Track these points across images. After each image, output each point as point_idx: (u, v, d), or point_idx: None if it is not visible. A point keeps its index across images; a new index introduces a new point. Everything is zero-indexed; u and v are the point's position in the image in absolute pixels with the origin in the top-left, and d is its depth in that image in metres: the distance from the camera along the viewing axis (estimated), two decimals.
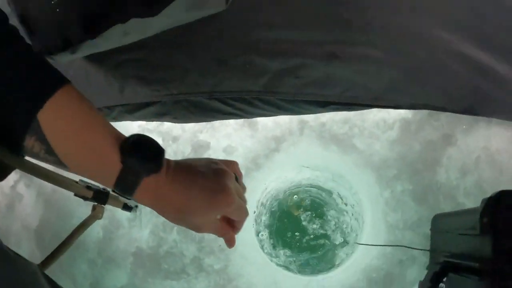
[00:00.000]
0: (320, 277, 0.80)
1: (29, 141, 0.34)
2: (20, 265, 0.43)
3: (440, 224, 0.73)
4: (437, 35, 0.72)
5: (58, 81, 0.34)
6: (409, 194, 0.88)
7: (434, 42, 0.72)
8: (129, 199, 0.38)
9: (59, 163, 0.35)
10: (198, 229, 0.42)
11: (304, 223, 0.89)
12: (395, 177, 0.85)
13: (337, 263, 0.84)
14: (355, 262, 0.81)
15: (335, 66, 0.68)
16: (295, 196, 0.96)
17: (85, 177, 0.40)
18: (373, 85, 0.73)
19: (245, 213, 0.45)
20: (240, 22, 0.67)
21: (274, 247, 0.88)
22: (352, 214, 0.88)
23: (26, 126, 0.33)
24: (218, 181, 0.41)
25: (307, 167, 0.92)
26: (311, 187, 0.94)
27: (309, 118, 0.87)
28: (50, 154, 0.34)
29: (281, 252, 0.87)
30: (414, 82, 0.76)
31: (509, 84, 0.76)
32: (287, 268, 0.84)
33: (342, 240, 0.87)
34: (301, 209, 0.93)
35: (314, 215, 0.90)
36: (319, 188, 0.94)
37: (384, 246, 0.79)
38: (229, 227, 0.45)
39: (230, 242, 0.46)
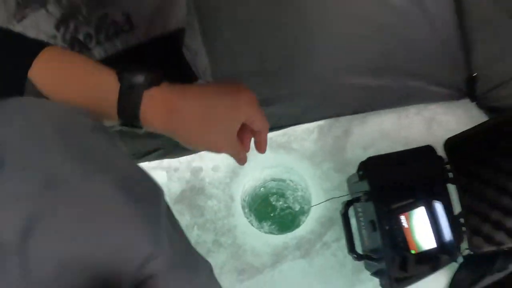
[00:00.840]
0: (293, 232, 1.10)
1: None
2: None
3: (350, 181, 1.05)
4: (331, 74, 0.95)
5: (40, 45, 0.33)
6: (332, 169, 1.12)
7: (330, 79, 0.96)
8: (141, 127, 0.34)
9: None
10: (218, 146, 0.38)
11: (273, 203, 1.19)
12: (321, 161, 1.13)
13: (301, 222, 1.13)
14: (311, 217, 1.10)
15: (270, 107, 0.97)
16: (262, 188, 1.22)
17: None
18: (294, 112, 1.04)
19: (267, 123, 0.42)
20: None
21: (259, 223, 1.15)
22: (302, 190, 1.18)
23: (21, 90, 0.31)
24: (237, 86, 0.38)
25: (268, 167, 1.17)
26: (273, 180, 1.21)
27: None
28: None
29: (265, 224, 1.15)
30: (321, 105, 1.06)
31: (387, 89, 1.01)
32: (271, 233, 1.12)
33: (300, 207, 1.17)
34: (269, 194, 1.20)
35: (278, 196, 1.20)
36: (278, 179, 1.21)
37: (324, 202, 1.06)
38: (242, 145, 0.43)
39: (242, 160, 0.46)
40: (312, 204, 1.11)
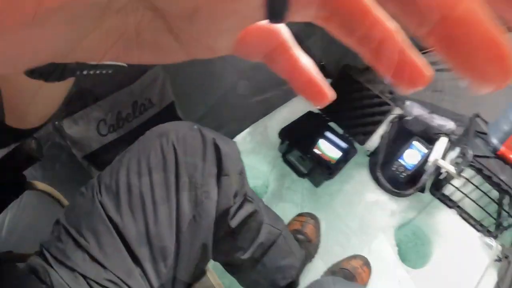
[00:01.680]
0: (269, 191, 1.72)
1: None
2: None
3: (279, 147, 1.62)
4: (243, 99, 1.47)
5: None
6: (268, 150, 1.64)
7: (242, 102, 1.48)
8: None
9: None
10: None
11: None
12: (259, 150, 1.64)
13: (269, 187, 1.64)
14: (272, 180, 1.70)
15: (220, 131, 1.73)
16: None
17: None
18: (232, 129, 1.57)
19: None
20: None
21: None
22: (258, 172, 1.75)
23: None
24: None
25: None
26: None
27: None
28: None
29: None
30: (244, 119, 1.61)
31: (271, 98, 1.58)
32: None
33: (262, 182, 1.76)
34: None
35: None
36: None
37: (272, 169, 1.67)
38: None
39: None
40: (268, 175, 1.61)
